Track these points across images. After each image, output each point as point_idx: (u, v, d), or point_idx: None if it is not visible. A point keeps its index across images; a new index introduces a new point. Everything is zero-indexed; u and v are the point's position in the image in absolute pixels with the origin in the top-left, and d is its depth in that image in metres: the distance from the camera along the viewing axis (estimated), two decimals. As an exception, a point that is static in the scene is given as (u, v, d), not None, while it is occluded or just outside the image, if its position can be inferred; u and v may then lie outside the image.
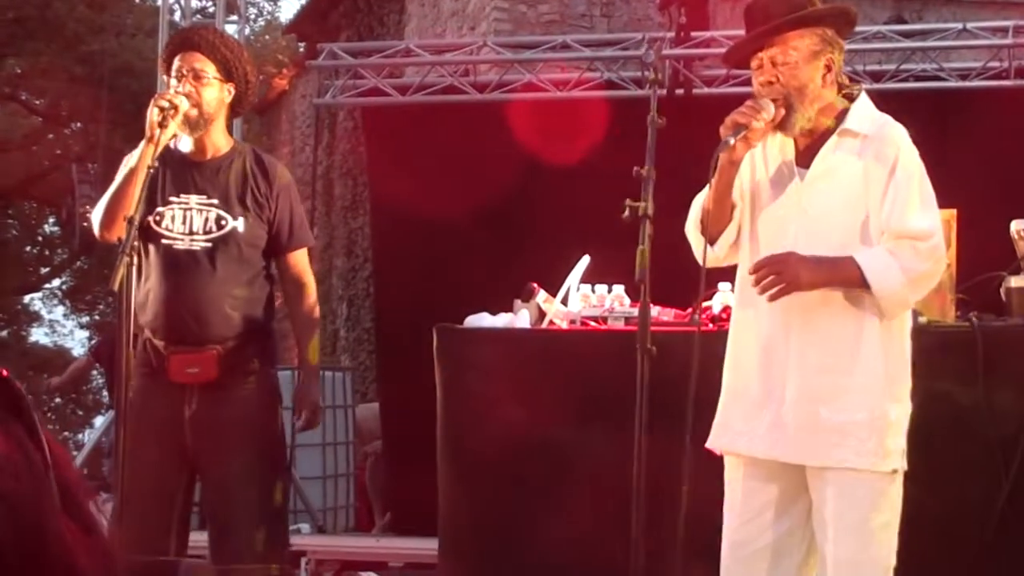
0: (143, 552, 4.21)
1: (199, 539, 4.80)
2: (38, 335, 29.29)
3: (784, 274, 3.63)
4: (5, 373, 1.16)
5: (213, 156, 4.64)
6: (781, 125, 3.78)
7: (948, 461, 4.98)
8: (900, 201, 3.69)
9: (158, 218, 4.50)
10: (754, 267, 3.70)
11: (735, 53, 4.02)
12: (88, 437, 19.66)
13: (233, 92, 4.66)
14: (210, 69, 4.57)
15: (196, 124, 4.54)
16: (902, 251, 3.66)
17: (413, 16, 14.18)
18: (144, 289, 4.41)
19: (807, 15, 3.79)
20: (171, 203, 4.54)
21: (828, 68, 3.79)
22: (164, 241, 4.50)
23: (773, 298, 3.65)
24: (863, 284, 3.64)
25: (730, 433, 3.84)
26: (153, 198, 4.39)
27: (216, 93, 4.59)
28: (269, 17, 28.09)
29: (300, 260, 4.79)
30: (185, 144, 4.61)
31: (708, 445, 3.90)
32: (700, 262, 3.86)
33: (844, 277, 3.68)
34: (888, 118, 3.85)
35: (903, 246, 3.66)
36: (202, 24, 9.30)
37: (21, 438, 1.15)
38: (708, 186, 3.80)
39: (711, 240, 3.88)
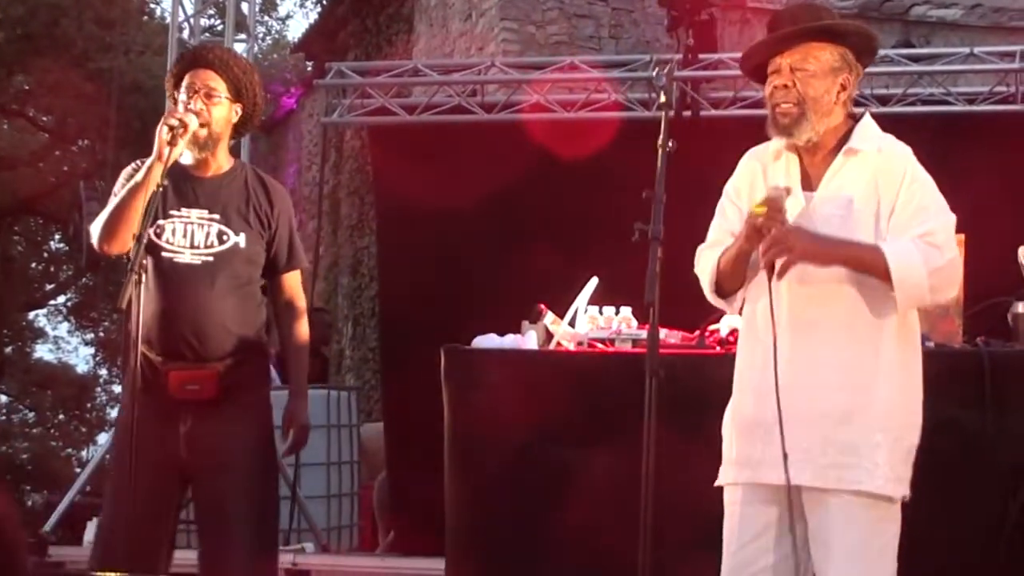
0: (133, 570, 4.18)
1: (182, 558, 4.75)
2: (42, 351, 29.27)
3: (779, 248, 3.60)
4: None
5: (215, 173, 4.64)
6: (787, 131, 3.78)
7: (955, 486, 4.97)
8: (914, 206, 3.67)
9: (158, 231, 4.47)
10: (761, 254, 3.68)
11: (755, 54, 3.95)
12: (92, 454, 19.63)
13: (240, 112, 4.66)
14: (221, 88, 4.58)
15: (204, 144, 4.55)
16: (921, 245, 3.61)
17: (421, 36, 14.20)
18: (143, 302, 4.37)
19: (834, 26, 3.83)
20: (172, 216, 4.51)
21: (843, 88, 3.81)
22: (165, 254, 4.47)
23: (779, 275, 3.62)
24: (882, 267, 3.58)
25: (749, 466, 3.80)
26: (154, 211, 4.35)
27: (225, 112, 4.60)
28: (277, 36, 28.19)
29: (295, 281, 4.78)
30: (187, 159, 4.59)
31: (719, 482, 3.87)
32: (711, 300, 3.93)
33: (858, 255, 3.62)
34: (892, 137, 3.85)
35: (921, 243, 3.62)
36: (214, 43, 9.30)
37: None
38: (726, 247, 3.84)
39: (725, 295, 3.92)
